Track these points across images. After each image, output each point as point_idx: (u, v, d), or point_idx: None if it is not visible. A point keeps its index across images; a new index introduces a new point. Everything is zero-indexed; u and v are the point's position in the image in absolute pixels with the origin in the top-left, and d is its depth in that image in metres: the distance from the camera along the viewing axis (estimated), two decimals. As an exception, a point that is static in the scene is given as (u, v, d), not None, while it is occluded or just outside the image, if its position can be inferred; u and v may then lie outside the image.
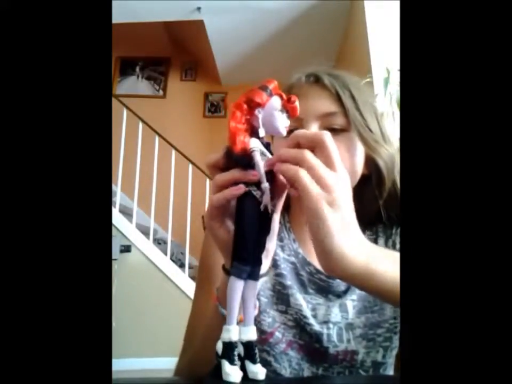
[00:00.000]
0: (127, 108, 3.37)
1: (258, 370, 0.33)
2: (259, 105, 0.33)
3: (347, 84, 0.55)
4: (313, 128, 0.51)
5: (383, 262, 0.34)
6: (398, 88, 1.94)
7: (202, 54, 4.17)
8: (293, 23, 3.31)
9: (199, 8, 3.22)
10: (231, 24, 3.37)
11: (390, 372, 0.57)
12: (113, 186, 3.08)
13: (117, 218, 3.02)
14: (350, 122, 0.52)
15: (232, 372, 0.31)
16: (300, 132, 0.36)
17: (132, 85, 4.51)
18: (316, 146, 0.34)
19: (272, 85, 0.34)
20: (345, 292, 0.57)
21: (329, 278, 0.57)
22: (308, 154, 0.33)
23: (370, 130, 0.53)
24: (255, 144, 0.33)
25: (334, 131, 0.51)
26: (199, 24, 3.41)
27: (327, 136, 0.34)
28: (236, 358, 0.32)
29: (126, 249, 2.97)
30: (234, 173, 0.34)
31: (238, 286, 0.33)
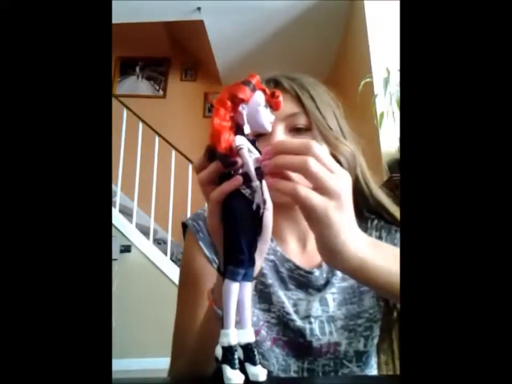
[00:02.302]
0: (127, 108, 3.37)
1: (259, 372, 0.32)
2: (243, 101, 0.32)
3: (305, 85, 0.57)
4: (279, 129, 0.54)
5: (378, 256, 0.36)
6: (398, 88, 1.94)
7: (202, 54, 4.16)
8: (293, 23, 3.31)
9: (199, 8, 3.21)
10: (231, 24, 3.37)
11: (372, 359, 0.59)
12: (113, 186, 3.08)
13: (117, 218, 3.01)
14: (311, 122, 0.55)
15: (233, 376, 0.31)
16: (286, 143, 0.36)
17: (132, 85, 4.51)
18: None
19: (255, 80, 0.33)
20: (325, 286, 0.58)
21: (308, 273, 0.58)
22: (313, 163, 0.32)
23: (330, 128, 0.56)
24: (241, 142, 0.32)
25: (298, 130, 0.55)
26: (199, 24, 3.41)
27: (315, 146, 0.33)
28: (237, 362, 0.31)
29: (126, 249, 2.96)
30: (214, 165, 0.33)
31: (233, 288, 0.33)
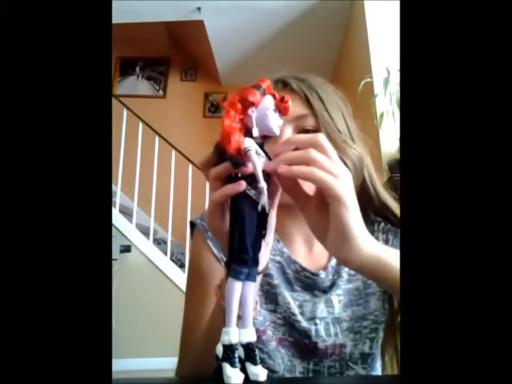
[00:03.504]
0: (127, 108, 3.36)
1: (259, 372, 0.32)
2: (253, 104, 0.33)
3: (313, 86, 0.57)
4: (288, 131, 0.54)
5: (389, 254, 0.37)
6: (398, 88, 1.94)
7: (202, 54, 4.16)
8: (293, 23, 3.31)
9: (199, 8, 3.22)
10: (231, 24, 3.37)
11: (378, 362, 0.59)
12: (113, 186, 3.08)
13: (117, 218, 3.01)
14: (319, 123, 0.55)
15: (233, 374, 0.31)
16: (295, 137, 0.37)
17: (132, 85, 4.51)
18: (315, 149, 0.35)
19: (265, 84, 0.34)
20: (331, 287, 0.59)
21: (314, 275, 0.58)
22: (315, 153, 0.34)
23: (338, 130, 0.56)
24: (249, 144, 0.33)
25: (307, 132, 0.54)
26: (199, 24, 3.41)
27: (322, 137, 0.36)
28: (237, 360, 0.32)
29: (126, 249, 2.96)
30: (227, 165, 0.34)
31: (236, 287, 0.33)
